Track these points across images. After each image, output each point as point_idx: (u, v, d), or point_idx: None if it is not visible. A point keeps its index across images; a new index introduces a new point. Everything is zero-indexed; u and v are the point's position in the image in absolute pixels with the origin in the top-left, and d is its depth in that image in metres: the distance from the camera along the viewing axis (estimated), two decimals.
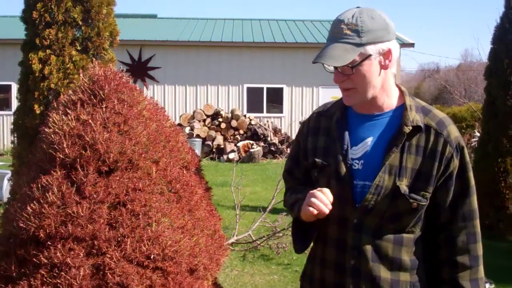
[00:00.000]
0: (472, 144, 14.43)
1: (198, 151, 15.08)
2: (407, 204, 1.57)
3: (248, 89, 18.21)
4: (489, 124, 6.91)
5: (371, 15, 1.56)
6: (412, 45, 18.52)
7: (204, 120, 16.25)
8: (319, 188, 1.60)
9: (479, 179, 6.83)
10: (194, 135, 15.51)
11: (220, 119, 16.07)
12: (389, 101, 1.66)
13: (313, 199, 1.56)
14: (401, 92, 1.69)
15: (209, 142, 15.65)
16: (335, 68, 1.59)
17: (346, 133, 1.66)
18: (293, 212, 1.73)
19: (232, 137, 15.96)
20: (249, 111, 17.85)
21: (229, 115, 16.23)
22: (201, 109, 16.56)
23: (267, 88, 18.14)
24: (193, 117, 16.38)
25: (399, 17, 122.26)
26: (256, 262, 5.63)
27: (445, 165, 1.59)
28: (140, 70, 17.94)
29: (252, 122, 16.25)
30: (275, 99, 18.29)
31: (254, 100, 18.17)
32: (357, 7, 1.59)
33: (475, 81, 27.36)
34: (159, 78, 18.08)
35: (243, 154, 14.97)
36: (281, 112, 18.24)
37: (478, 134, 9.87)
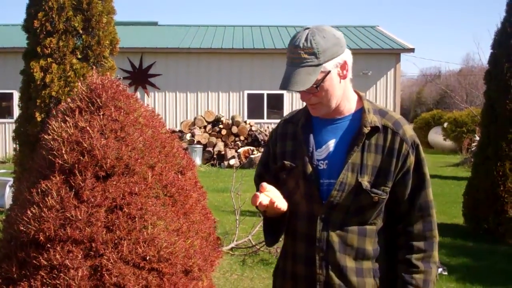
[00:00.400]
0: (472, 149, 14.47)
1: (199, 157, 15.13)
2: (369, 198, 1.71)
3: (249, 95, 18.30)
4: (489, 128, 6.93)
5: (322, 35, 1.68)
6: (412, 50, 18.57)
7: (205, 127, 16.33)
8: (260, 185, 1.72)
9: (479, 183, 6.91)
10: (195, 142, 15.58)
11: (221, 126, 16.14)
12: (349, 105, 1.80)
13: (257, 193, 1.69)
14: (359, 96, 1.84)
15: (210, 149, 15.71)
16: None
17: (311, 137, 1.80)
18: (262, 212, 1.84)
19: (232, 143, 16.02)
20: (249, 117, 17.92)
21: (230, 122, 16.30)
22: (202, 116, 16.64)
23: (268, 94, 18.22)
24: (194, 123, 16.45)
25: (399, 21, 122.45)
26: (255, 266, 5.67)
27: (402, 162, 1.73)
28: (141, 77, 18.04)
29: (253, 128, 16.32)
30: (276, 105, 18.37)
31: (254, 106, 18.25)
32: (307, 28, 1.70)
33: (477, 86, 27.42)
34: (160, 85, 18.18)
35: (244, 160, 15.02)
36: (282, 118, 18.31)
37: (478, 139, 9.91)
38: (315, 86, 1.69)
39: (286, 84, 1.69)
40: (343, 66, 1.73)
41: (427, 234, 1.77)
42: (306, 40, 1.67)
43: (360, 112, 1.79)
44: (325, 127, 1.81)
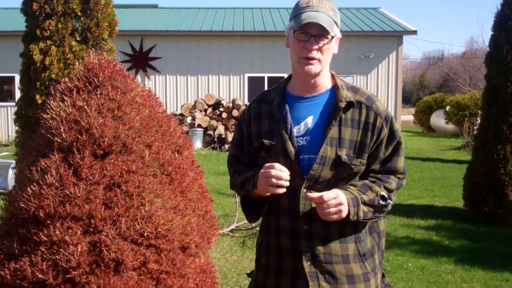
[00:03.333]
0: (474, 132, 14.47)
1: (199, 140, 15.17)
2: (349, 169, 1.80)
3: (249, 78, 18.26)
4: (490, 111, 6.91)
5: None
6: (415, 32, 18.44)
7: (205, 110, 16.33)
8: (269, 164, 1.76)
9: (479, 166, 6.93)
10: (196, 125, 15.60)
11: (222, 109, 16.15)
12: (327, 82, 1.88)
13: (273, 172, 1.73)
14: (332, 74, 1.91)
15: (211, 132, 15.74)
16: (311, 36, 1.75)
17: (288, 114, 1.85)
18: (244, 190, 1.91)
19: (233, 126, 16.04)
20: (250, 100, 17.91)
21: (231, 105, 16.30)
22: (202, 99, 16.63)
23: (268, 77, 18.18)
24: (194, 107, 16.45)
25: (401, 2, 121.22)
26: (255, 247, 5.73)
27: (377, 134, 1.83)
28: (141, 60, 18.00)
29: None
30: None
31: (255, 90, 18.21)
32: None
33: (480, 69, 27.27)
34: (161, 68, 18.14)
35: None
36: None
37: (479, 122, 9.91)
38: (330, 37, 1.76)
39: (314, 18, 1.73)
40: (337, 41, 1.83)
41: (384, 179, 1.85)
42: None
43: (334, 89, 1.86)
44: (302, 103, 1.87)
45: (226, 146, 15.20)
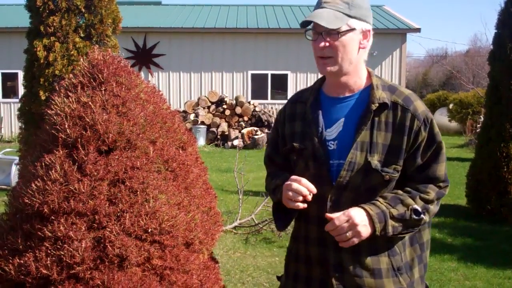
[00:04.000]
0: (477, 130, 14.43)
1: (202, 137, 15.18)
2: (380, 177, 1.66)
3: (253, 75, 18.25)
4: (493, 109, 6.90)
5: None
6: (418, 30, 18.40)
7: (208, 107, 16.34)
8: (295, 177, 1.70)
9: (482, 164, 6.91)
10: (199, 122, 15.61)
11: (225, 106, 16.15)
12: (360, 82, 1.74)
13: (294, 185, 1.67)
14: (369, 73, 1.78)
15: (214, 129, 15.75)
16: (319, 34, 1.66)
17: (320, 116, 1.75)
18: (275, 197, 1.84)
19: (236, 123, 16.05)
20: (253, 97, 17.90)
21: (234, 102, 16.29)
22: (205, 96, 16.64)
23: (272, 75, 18.18)
24: (197, 104, 16.46)
25: (405, 0, 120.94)
26: (258, 244, 5.74)
27: (414, 138, 1.67)
28: (145, 57, 18.02)
29: (257, 109, 16.32)
30: (280, 86, 18.33)
31: (258, 87, 18.22)
32: None
33: (483, 67, 27.19)
34: (164, 65, 18.15)
35: (248, 141, 15.06)
36: (286, 98, 18.27)
37: (482, 120, 9.88)
38: (337, 32, 1.63)
39: (311, 16, 1.63)
40: (366, 35, 1.70)
41: (421, 189, 1.70)
42: None
43: (369, 89, 1.73)
44: (335, 105, 1.75)
45: (229, 143, 15.20)
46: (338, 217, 1.61)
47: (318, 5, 1.68)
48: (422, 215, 1.66)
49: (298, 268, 1.83)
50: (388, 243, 1.71)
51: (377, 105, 1.67)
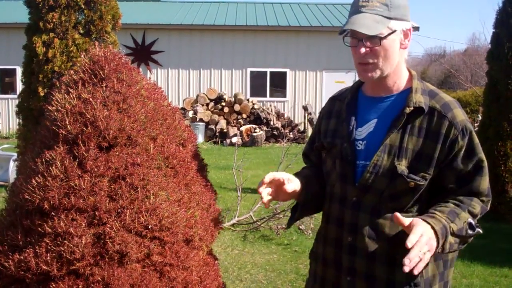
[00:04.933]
0: (475, 129, 14.49)
1: (201, 135, 15.18)
2: (405, 184, 1.58)
3: (252, 73, 18.24)
4: (491, 108, 6.92)
5: None
6: (417, 28, 18.41)
7: (207, 104, 16.33)
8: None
9: None
10: (197, 119, 15.60)
11: (223, 103, 16.14)
12: (399, 82, 1.67)
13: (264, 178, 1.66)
14: (411, 75, 1.71)
15: (212, 126, 15.74)
16: (359, 40, 1.58)
17: (353, 115, 1.71)
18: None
19: (235, 121, 16.04)
20: (252, 95, 17.90)
21: (232, 99, 16.29)
22: (204, 93, 16.62)
23: (271, 72, 18.16)
24: (196, 101, 16.45)
25: None
26: (256, 242, 5.75)
27: (449, 147, 1.58)
28: (143, 54, 17.99)
29: (255, 106, 16.32)
30: (279, 83, 18.32)
31: (257, 84, 18.21)
32: None
33: (482, 66, 27.23)
34: (163, 62, 18.13)
35: (246, 138, 15.06)
36: (284, 96, 18.29)
37: (480, 119, 9.90)
38: (378, 38, 1.56)
39: (350, 23, 1.56)
40: (407, 34, 1.62)
41: (466, 201, 1.60)
42: None
43: (407, 92, 1.65)
44: (370, 105, 1.70)
45: (228, 141, 15.21)
46: (414, 235, 1.41)
47: (356, 10, 1.59)
48: (477, 229, 1.57)
49: (316, 267, 1.82)
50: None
51: (412, 108, 1.60)
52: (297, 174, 1.83)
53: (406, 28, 1.61)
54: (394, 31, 1.58)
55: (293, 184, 1.68)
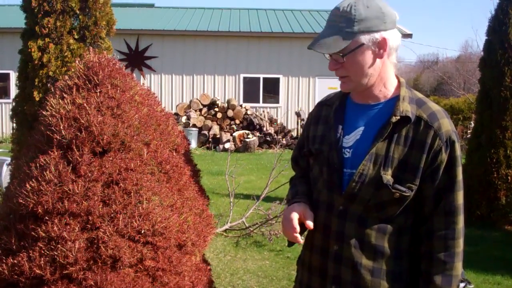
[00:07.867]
0: (467, 136, 14.57)
1: (194, 140, 15.17)
2: (390, 194, 1.57)
3: (245, 79, 18.28)
4: (483, 115, 6.95)
5: (367, 4, 1.56)
6: (410, 35, 18.54)
7: (200, 110, 16.34)
8: (291, 209, 1.68)
9: (472, 170, 6.95)
10: (191, 125, 15.60)
11: (216, 109, 16.16)
12: (386, 91, 1.66)
13: (284, 223, 1.68)
14: (399, 83, 1.69)
15: (205, 132, 15.75)
16: (330, 55, 1.61)
17: (340, 122, 1.70)
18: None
19: (228, 126, 16.06)
20: (245, 101, 17.93)
21: (225, 105, 16.31)
22: (197, 99, 16.64)
23: (264, 78, 18.21)
24: (189, 106, 16.46)
25: (397, 6, 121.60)
26: (248, 248, 5.76)
27: (432, 158, 1.58)
28: (137, 59, 17.99)
29: (248, 112, 16.35)
30: (272, 89, 18.37)
31: (250, 90, 18.25)
32: None
33: (474, 73, 27.44)
34: (156, 68, 18.13)
35: (239, 144, 15.07)
36: (277, 102, 18.34)
37: (473, 126, 9.97)
38: (341, 54, 1.57)
39: (313, 43, 1.59)
40: (381, 44, 1.57)
41: (449, 243, 1.65)
42: (348, 5, 1.56)
43: (395, 100, 1.63)
44: (358, 112, 1.69)
45: (221, 146, 15.21)
46: None
47: (324, 27, 1.62)
48: (468, 285, 1.64)
49: (302, 275, 1.81)
50: (396, 264, 1.63)
51: (398, 117, 1.58)
52: (293, 187, 1.84)
53: (378, 39, 1.57)
54: (360, 45, 1.56)
55: (310, 217, 1.69)
